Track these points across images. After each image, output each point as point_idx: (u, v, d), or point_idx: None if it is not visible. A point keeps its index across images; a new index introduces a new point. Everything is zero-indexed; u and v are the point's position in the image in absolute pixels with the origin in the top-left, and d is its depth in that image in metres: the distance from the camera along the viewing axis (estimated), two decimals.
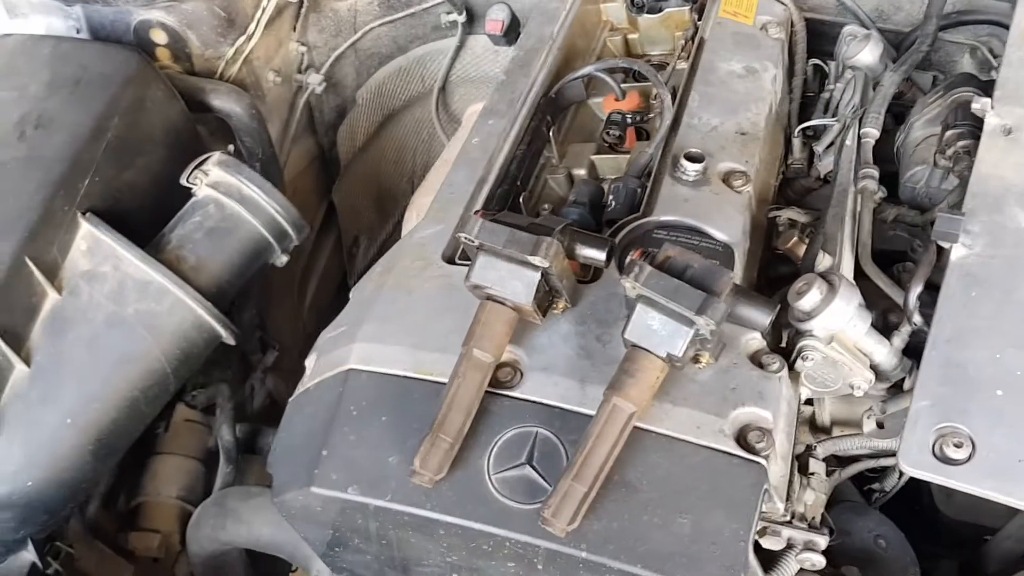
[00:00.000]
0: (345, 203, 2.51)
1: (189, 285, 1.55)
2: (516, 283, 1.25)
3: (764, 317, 1.25)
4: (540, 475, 1.21)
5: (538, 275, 1.24)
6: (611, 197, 1.57)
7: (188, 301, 1.54)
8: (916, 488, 1.73)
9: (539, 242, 1.21)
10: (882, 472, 1.57)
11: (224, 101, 1.84)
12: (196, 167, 1.60)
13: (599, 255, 1.30)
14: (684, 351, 1.19)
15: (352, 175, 2.50)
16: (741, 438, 1.23)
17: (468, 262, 1.31)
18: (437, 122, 2.44)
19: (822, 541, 1.28)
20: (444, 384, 1.25)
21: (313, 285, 2.45)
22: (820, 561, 1.28)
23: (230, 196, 1.60)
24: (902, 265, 1.63)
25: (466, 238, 1.25)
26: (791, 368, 1.37)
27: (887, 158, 1.83)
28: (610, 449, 1.17)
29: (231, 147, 1.71)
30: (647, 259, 1.21)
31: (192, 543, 1.78)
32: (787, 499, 1.28)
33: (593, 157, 1.73)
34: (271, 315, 2.28)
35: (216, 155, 1.61)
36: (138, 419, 1.57)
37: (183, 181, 1.60)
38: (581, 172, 1.72)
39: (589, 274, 1.42)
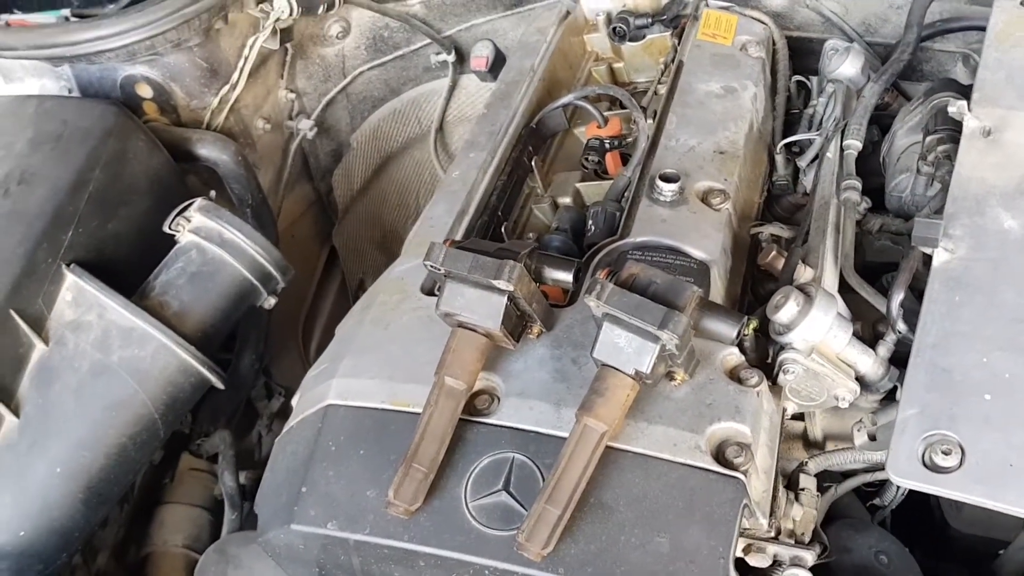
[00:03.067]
0: (347, 246, 2.54)
1: (172, 330, 1.57)
2: (484, 308, 1.26)
3: (731, 329, 1.24)
4: (517, 501, 1.20)
5: (504, 299, 1.24)
6: (591, 222, 1.58)
7: (171, 346, 1.56)
8: (925, 503, 1.69)
9: (502, 266, 1.22)
10: (881, 486, 1.53)
11: (210, 150, 1.88)
12: (178, 214, 1.63)
13: (566, 277, 1.30)
14: (652, 367, 1.18)
15: (353, 218, 2.53)
16: (719, 454, 1.21)
17: None
18: (436, 162, 2.46)
19: (809, 557, 1.25)
20: (419, 414, 1.25)
21: (319, 330, 2.47)
22: None
23: (211, 241, 1.63)
24: (890, 275, 1.61)
25: (431, 266, 1.26)
26: (774, 383, 1.36)
27: (876, 171, 1.82)
28: (583, 470, 1.17)
29: (212, 193, 1.75)
30: (612, 278, 1.21)
31: None
32: (771, 515, 1.25)
33: (578, 184, 1.74)
34: (277, 362, 2.30)
35: (198, 201, 1.65)
36: (128, 466, 1.59)
37: (166, 228, 1.64)
38: (566, 200, 1.73)
39: (567, 298, 1.42)
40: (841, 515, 1.57)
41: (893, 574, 1.44)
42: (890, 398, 1.46)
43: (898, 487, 1.51)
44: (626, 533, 1.17)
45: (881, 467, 1.45)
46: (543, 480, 1.21)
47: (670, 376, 1.27)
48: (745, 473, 1.20)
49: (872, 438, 1.44)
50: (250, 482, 1.99)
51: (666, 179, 1.53)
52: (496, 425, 1.27)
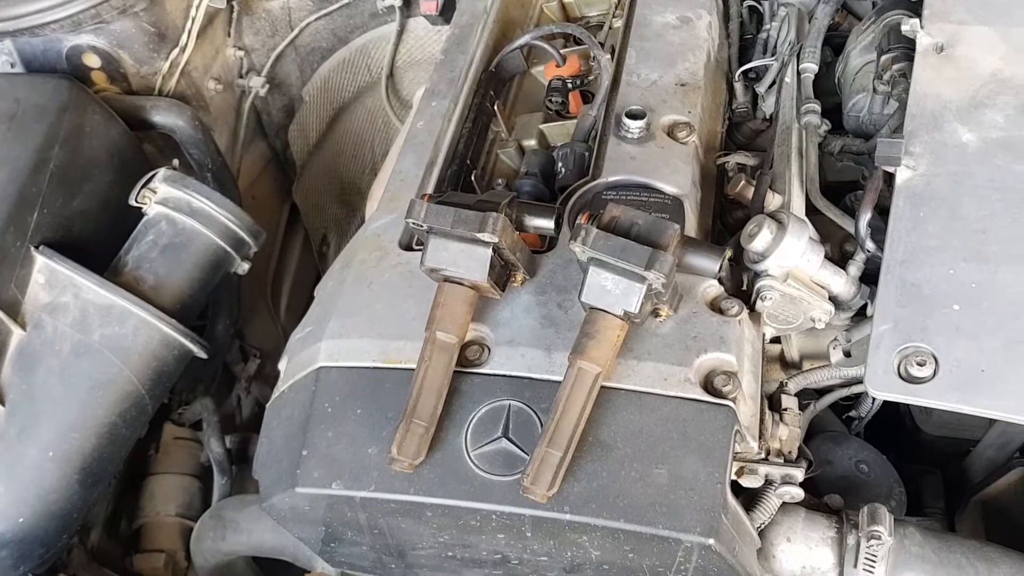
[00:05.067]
0: (308, 202, 2.51)
1: (150, 304, 1.55)
2: (469, 261, 1.26)
3: (713, 264, 1.27)
4: (517, 446, 1.23)
5: (489, 251, 1.25)
6: (560, 164, 1.58)
7: (152, 320, 1.55)
8: (896, 411, 1.77)
9: (486, 218, 1.23)
10: (856, 399, 1.60)
11: (165, 116, 1.84)
12: (143, 186, 1.60)
13: (547, 223, 1.32)
14: (640, 307, 1.21)
15: (311, 173, 2.50)
16: (707, 384, 1.25)
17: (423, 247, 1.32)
18: (389, 109, 2.43)
19: (798, 473, 1.30)
20: (413, 370, 1.27)
21: (287, 289, 2.46)
22: (799, 493, 1.30)
23: (180, 211, 1.60)
24: (854, 195, 1.65)
25: (413, 223, 1.26)
26: (752, 310, 1.39)
27: (831, 91, 1.84)
28: (580, 412, 1.19)
29: (176, 161, 1.71)
30: (593, 221, 1.22)
31: (196, 557, 1.80)
32: (760, 437, 1.30)
33: (542, 126, 1.73)
34: (248, 324, 2.29)
35: (162, 171, 1.62)
36: (119, 443, 1.58)
37: (132, 201, 1.61)
38: (531, 143, 1.72)
39: (545, 243, 1.44)
40: (819, 430, 1.64)
41: (874, 481, 1.51)
42: (861, 315, 1.51)
43: (874, 399, 1.57)
44: (626, 468, 1.20)
45: (857, 381, 1.51)
46: (541, 424, 1.24)
47: (655, 313, 1.29)
48: (734, 400, 1.24)
49: (847, 355, 1.49)
50: (236, 446, 2.01)
51: (632, 116, 1.53)
52: (490, 374, 1.29)
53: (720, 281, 1.36)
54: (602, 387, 1.23)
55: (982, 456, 1.65)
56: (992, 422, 1.61)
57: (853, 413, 1.63)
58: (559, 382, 1.23)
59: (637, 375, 1.26)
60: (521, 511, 1.21)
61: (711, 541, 1.16)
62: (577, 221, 1.25)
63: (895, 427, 1.79)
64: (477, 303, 1.32)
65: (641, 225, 1.22)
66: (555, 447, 1.18)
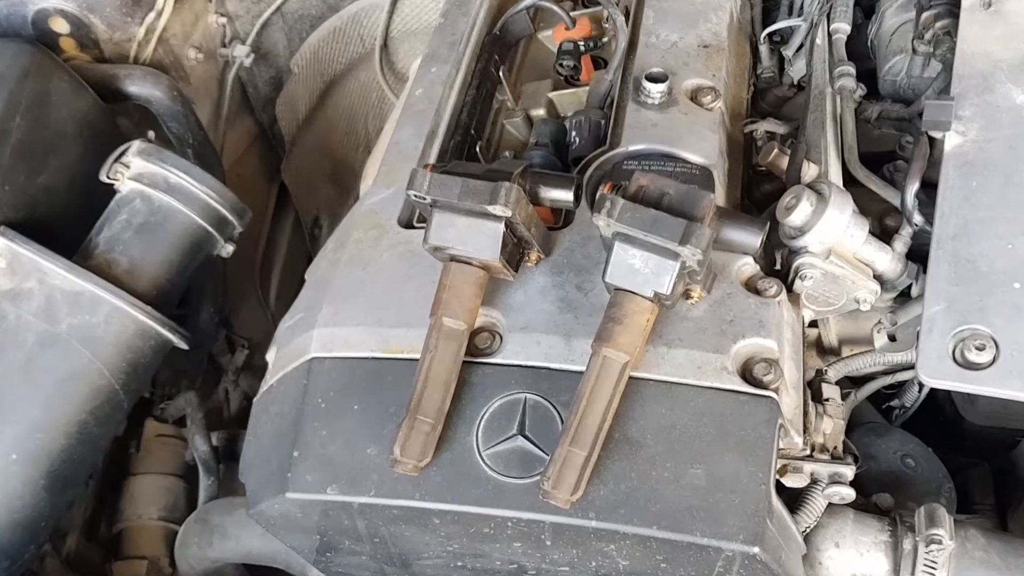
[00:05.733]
0: (298, 182, 2.37)
1: (123, 290, 1.42)
2: (479, 238, 1.14)
3: (754, 238, 1.14)
4: (535, 444, 1.11)
5: (501, 226, 1.12)
6: (574, 133, 1.45)
7: (126, 308, 1.41)
8: (934, 398, 1.64)
9: (497, 189, 1.09)
10: (900, 387, 1.47)
11: (141, 86, 1.69)
12: (115, 160, 1.46)
13: (566, 195, 1.18)
14: (672, 287, 1.08)
15: (301, 151, 2.37)
16: (746, 373, 1.13)
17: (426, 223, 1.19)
18: (384, 83, 2.30)
19: (849, 472, 1.18)
20: (416, 360, 1.14)
21: (276, 274, 2.33)
22: (849, 494, 1.18)
23: (156, 187, 1.46)
24: (892, 165, 1.54)
25: (416, 195, 1.13)
26: (789, 291, 1.27)
27: (861, 54, 1.71)
28: (606, 406, 1.07)
29: (151, 133, 1.57)
30: (618, 192, 1.09)
31: (181, 564, 1.68)
32: (804, 431, 1.18)
33: (551, 94, 1.61)
34: (236, 312, 2.16)
35: (136, 144, 1.48)
36: (91, 444, 1.45)
37: (103, 177, 1.46)
38: (540, 112, 1.59)
39: (560, 219, 1.31)
40: (855, 422, 1.52)
41: (921, 477, 1.39)
42: (905, 296, 1.38)
43: (921, 388, 1.45)
44: (657, 468, 1.08)
45: (902, 368, 1.40)
46: (561, 420, 1.11)
47: (686, 295, 1.17)
48: (776, 391, 1.12)
49: (892, 339, 1.38)
50: (223, 443, 1.89)
51: (652, 79, 1.40)
52: (502, 364, 1.17)
53: (754, 259, 1.23)
54: (630, 378, 1.10)
55: None
56: None
57: (895, 403, 1.50)
58: (580, 372, 1.11)
59: (668, 364, 1.13)
60: (541, 517, 1.09)
61: (756, 550, 1.05)
62: (600, 192, 1.12)
63: (932, 416, 1.66)
64: (487, 285, 1.18)
65: (672, 195, 1.09)
66: (579, 446, 1.05)
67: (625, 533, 1.07)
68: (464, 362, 1.15)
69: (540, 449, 1.10)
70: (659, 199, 1.09)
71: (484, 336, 1.19)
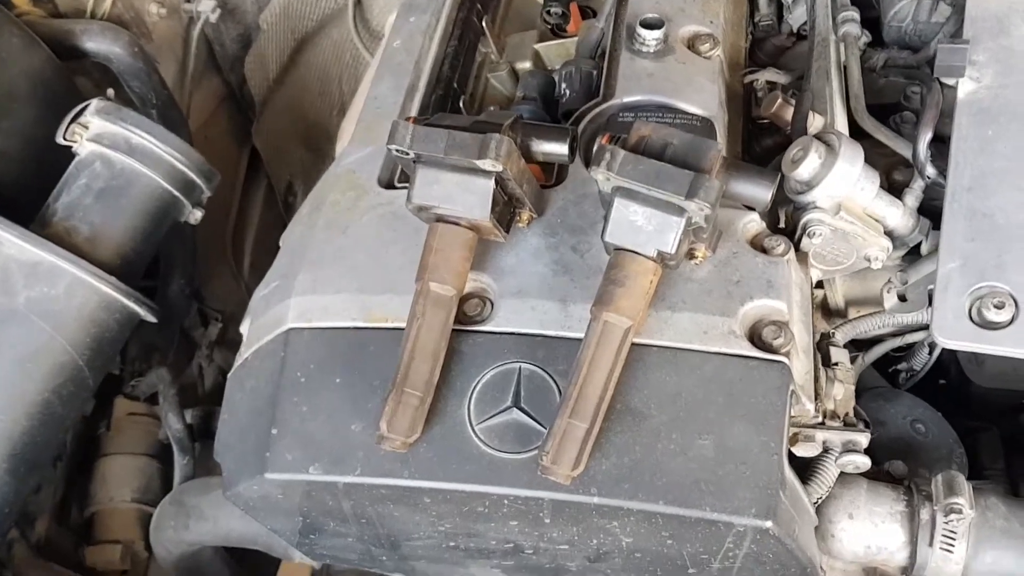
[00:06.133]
0: (269, 145, 2.27)
1: (85, 260, 1.32)
2: (467, 196, 1.05)
3: (765, 191, 1.06)
4: (531, 417, 1.04)
5: (491, 182, 1.04)
6: (564, 86, 1.37)
7: (87, 279, 1.31)
8: (938, 360, 1.58)
9: (487, 141, 1.01)
10: (908, 350, 1.41)
11: (99, 42, 1.58)
12: (73, 120, 1.36)
13: (560, 148, 1.10)
14: (677, 246, 1.00)
15: (272, 113, 2.26)
16: (755, 336, 1.06)
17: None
18: (358, 41, 2.19)
19: (863, 439, 1.12)
20: (402, 329, 1.06)
21: (250, 243, 2.23)
22: (865, 462, 1.12)
23: (117, 149, 1.36)
24: (899, 116, 1.46)
25: (398, 150, 1.04)
26: (796, 249, 1.19)
27: (863, 3, 1.63)
28: (608, 374, 1.00)
29: (111, 91, 1.46)
30: (618, 143, 1.01)
31: (157, 547, 1.60)
32: (816, 398, 1.11)
33: (537, 46, 1.52)
34: (208, 283, 2.06)
35: (94, 103, 1.37)
36: (55, 423, 1.36)
37: (60, 139, 1.36)
38: (526, 65, 1.51)
39: (552, 176, 1.23)
40: (860, 387, 1.45)
41: (932, 442, 1.34)
42: (914, 253, 1.32)
43: (931, 350, 1.38)
44: (663, 440, 1.01)
45: (913, 329, 1.33)
46: (558, 391, 1.04)
47: (690, 254, 1.09)
48: (787, 355, 1.05)
49: (902, 298, 1.31)
50: (198, 420, 1.81)
51: (648, 25, 1.32)
52: (494, 332, 1.09)
53: (760, 215, 1.16)
54: (631, 345, 1.02)
55: None
56: None
57: (902, 366, 1.44)
58: (579, 339, 1.03)
59: (672, 328, 1.06)
60: (539, 494, 1.02)
61: (769, 524, 0.99)
62: (597, 143, 1.04)
63: (935, 379, 1.61)
64: (476, 248, 1.10)
65: (677, 145, 1.01)
66: (579, 417, 0.98)
67: (629, 509, 1.00)
68: (453, 330, 1.07)
69: (537, 422, 1.03)
70: (662, 150, 1.01)
71: (474, 302, 1.11)
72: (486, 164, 1.02)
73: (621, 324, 1.00)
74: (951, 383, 1.59)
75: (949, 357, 1.58)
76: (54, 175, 1.40)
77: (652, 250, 1.01)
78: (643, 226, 1.01)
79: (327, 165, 2.41)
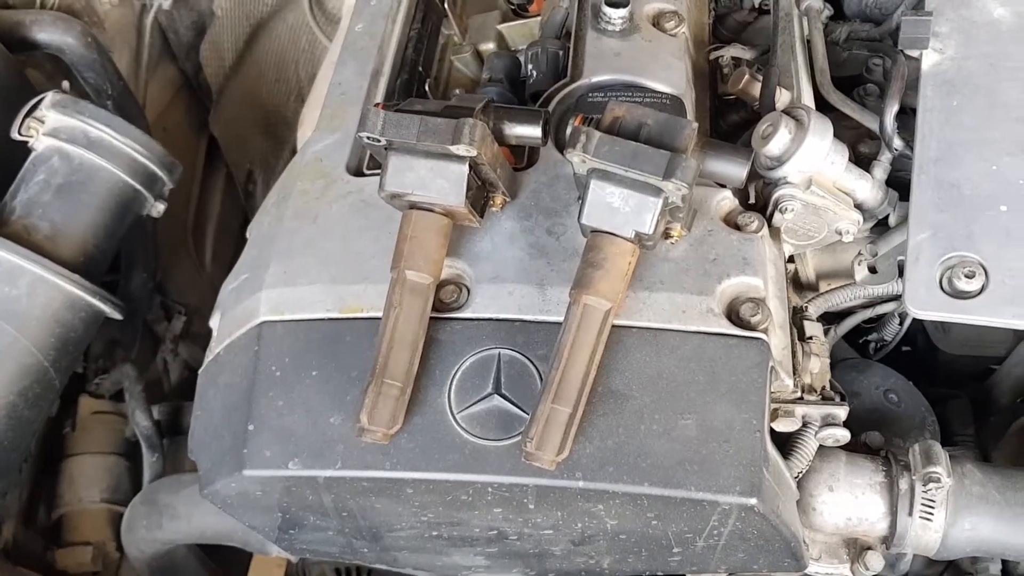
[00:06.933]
0: (228, 133, 2.22)
1: (47, 258, 1.28)
2: (441, 182, 1.03)
3: (740, 169, 1.06)
4: (512, 403, 1.03)
5: (466, 167, 1.02)
6: (530, 67, 1.35)
7: (50, 277, 1.27)
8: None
9: (460, 126, 0.99)
10: (878, 321, 1.42)
11: (51, 33, 1.53)
12: (27, 115, 1.31)
13: (533, 131, 1.08)
14: (654, 226, 0.99)
15: (229, 100, 2.21)
16: (732, 314, 1.06)
17: (379, 170, 1.08)
18: (314, 24, 2.16)
19: (842, 412, 1.13)
20: (378, 319, 1.05)
21: (211, 233, 2.18)
22: (844, 435, 1.13)
23: (75, 143, 1.31)
24: (862, 88, 1.47)
25: (369, 138, 1.02)
26: (769, 225, 1.19)
27: None
28: (589, 357, 0.99)
29: (66, 84, 1.41)
30: (591, 124, 1.00)
31: (129, 547, 1.57)
32: (794, 372, 1.11)
33: (500, 27, 1.50)
34: (169, 276, 2.02)
35: (49, 96, 1.32)
36: (22, 427, 1.32)
37: (14, 134, 1.31)
38: (489, 47, 1.49)
39: (523, 160, 1.21)
40: (832, 359, 1.47)
41: (905, 412, 1.35)
42: (882, 224, 1.33)
43: (901, 320, 1.40)
44: (646, 421, 1.01)
45: (883, 300, 1.35)
46: (539, 376, 1.03)
47: (666, 234, 1.09)
48: (765, 331, 1.05)
49: (872, 270, 1.32)
50: (165, 416, 1.78)
51: (613, 4, 1.30)
52: (471, 319, 1.07)
53: (732, 192, 1.15)
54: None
55: (1010, 375, 1.50)
56: (1020, 338, 1.46)
57: (872, 337, 1.46)
58: (558, 323, 1.02)
59: (650, 309, 1.06)
60: (524, 481, 1.01)
61: (753, 501, 0.99)
62: (571, 125, 1.03)
63: (900, 347, 1.63)
64: (451, 233, 1.08)
65: (652, 125, 1.00)
66: (562, 402, 0.98)
67: (614, 492, 1.00)
68: (430, 318, 1.05)
69: (519, 408, 1.02)
70: (637, 130, 1.00)
71: (450, 289, 1.09)
72: (460, 149, 1.00)
73: (601, 307, 0.99)
74: (918, 351, 1.62)
75: (916, 326, 1.60)
76: (9, 172, 1.35)
77: (630, 231, 1.00)
78: (620, 207, 1.00)
79: (286, 152, 2.38)
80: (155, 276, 1.84)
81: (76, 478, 1.69)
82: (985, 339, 1.51)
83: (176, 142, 2.04)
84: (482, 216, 1.11)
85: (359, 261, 1.12)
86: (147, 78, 1.94)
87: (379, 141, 1.03)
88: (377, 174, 1.16)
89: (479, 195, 1.09)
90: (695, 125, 1.00)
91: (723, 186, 1.14)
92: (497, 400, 1.03)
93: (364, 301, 1.09)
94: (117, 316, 1.39)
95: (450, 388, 1.04)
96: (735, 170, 1.06)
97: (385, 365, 1.01)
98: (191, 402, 1.78)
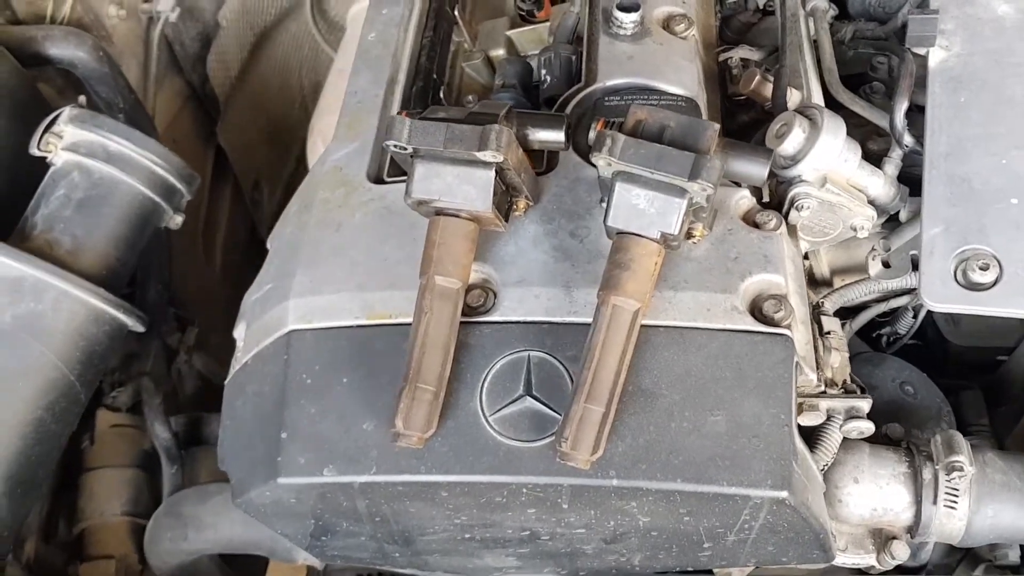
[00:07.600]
0: (235, 143, 2.23)
1: (71, 272, 1.28)
2: (468, 188, 1.05)
3: (761, 168, 1.08)
4: (544, 404, 1.04)
5: (492, 172, 1.04)
6: (544, 72, 1.37)
7: (75, 291, 1.28)
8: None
9: (487, 133, 1.01)
10: (892, 315, 1.44)
11: (63, 48, 1.53)
12: (46, 130, 1.31)
13: (557, 136, 1.10)
14: (680, 226, 1.01)
15: (235, 110, 2.22)
16: (756, 311, 1.08)
17: (401, 177, 1.10)
18: (317, 33, 2.17)
19: (865, 405, 1.15)
20: (407, 325, 1.06)
21: (220, 243, 2.19)
22: (869, 427, 1.14)
23: (95, 157, 1.32)
24: (868, 87, 1.49)
25: (396, 146, 1.03)
26: (785, 222, 1.21)
27: None
28: (620, 357, 1.01)
29: (82, 98, 1.42)
30: (614, 128, 1.02)
31: (153, 559, 1.57)
32: (817, 367, 1.13)
33: (509, 33, 1.52)
34: (182, 287, 2.02)
35: (67, 111, 1.33)
36: (50, 442, 1.32)
37: (33, 150, 1.32)
38: (499, 53, 1.51)
39: (542, 164, 1.23)
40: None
41: (921, 403, 1.37)
42: (894, 220, 1.35)
43: (915, 313, 1.42)
44: (676, 418, 1.03)
45: (897, 294, 1.37)
46: (569, 376, 1.05)
47: (688, 234, 1.10)
48: (788, 327, 1.07)
49: (886, 265, 1.34)
50: (183, 428, 1.77)
51: (624, 8, 1.32)
52: (500, 322, 1.09)
53: (750, 191, 1.18)
54: None
55: (1020, 365, 1.52)
56: None
57: (886, 330, 1.48)
58: (585, 325, 1.04)
59: (675, 308, 1.08)
60: (559, 481, 1.03)
61: (784, 494, 1.01)
62: (594, 129, 1.04)
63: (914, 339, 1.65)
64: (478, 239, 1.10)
65: (674, 128, 1.02)
66: (595, 402, 0.99)
67: (648, 489, 1.02)
68: (459, 323, 1.07)
69: (551, 408, 1.04)
70: (660, 133, 1.02)
71: (476, 293, 1.11)
72: (487, 155, 1.02)
73: (630, 307, 1.01)
74: (928, 344, 1.64)
75: (926, 319, 1.63)
76: (26, 188, 1.36)
77: (656, 232, 1.02)
78: (645, 209, 1.01)
79: (291, 160, 2.38)
80: (169, 288, 1.85)
81: (97, 492, 1.69)
82: (995, 331, 1.53)
83: (185, 153, 2.02)
84: (507, 220, 1.12)
85: (385, 268, 1.14)
86: (155, 90, 1.95)
87: (405, 149, 1.04)
88: (398, 181, 1.18)
89: (504, 200, 1.11)
90: (717, 126, 1.02)
91: (739, 185, 1.16)
92: (529, 401, 1.04)
93: (392, 307, 1.11)
94: (140, 328, 1.40)
95: (482, 391, 1.05)
96: (757, 169, 1.07)
97: (418, 370, 1.02)
98: (208, 413, 1.81)
